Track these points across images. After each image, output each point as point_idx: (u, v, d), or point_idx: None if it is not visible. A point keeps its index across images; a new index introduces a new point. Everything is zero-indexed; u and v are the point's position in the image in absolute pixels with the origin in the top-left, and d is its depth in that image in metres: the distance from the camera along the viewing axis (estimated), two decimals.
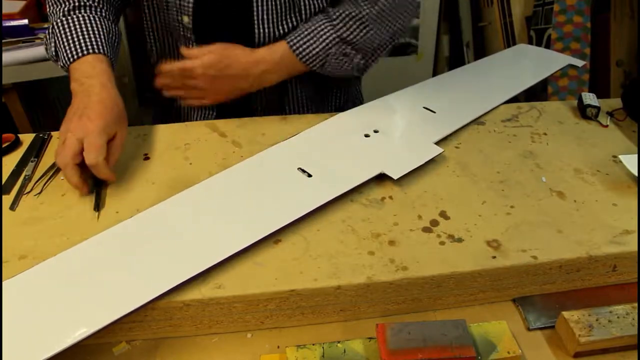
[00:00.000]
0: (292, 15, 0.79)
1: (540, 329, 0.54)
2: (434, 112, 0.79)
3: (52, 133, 0.76)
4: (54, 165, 0.69)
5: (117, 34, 0.78)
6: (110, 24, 0.76)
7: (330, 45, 0.78)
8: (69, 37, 0.71)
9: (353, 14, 0.78)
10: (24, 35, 1.58)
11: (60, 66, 0.72)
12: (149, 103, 2.54)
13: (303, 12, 0.79)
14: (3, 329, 0.46)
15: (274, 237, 0.57)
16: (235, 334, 0.53)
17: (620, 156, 0.70)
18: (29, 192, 0.65)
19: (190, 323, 0.52)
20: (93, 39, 0.71)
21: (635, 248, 0.56)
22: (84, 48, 0.70)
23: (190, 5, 0.76)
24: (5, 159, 0.71)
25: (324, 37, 0.78)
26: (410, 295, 0.54)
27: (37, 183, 0.66)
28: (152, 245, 0.55)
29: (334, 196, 0.61)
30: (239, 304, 0.51)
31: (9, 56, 1.46)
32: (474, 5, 2.11)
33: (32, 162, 0.70)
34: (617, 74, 1.83)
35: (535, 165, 0.70)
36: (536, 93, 1.92)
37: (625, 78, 1.83)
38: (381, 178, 0.66)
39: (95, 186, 0.64)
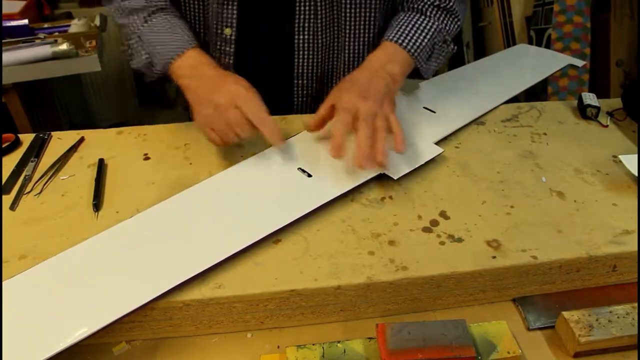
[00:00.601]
0: (334, 25, 0.79)
1: (540, 329, 0.54)
2: (434, 112, 0.79)
3: (52, 133, 0.76)
4: (54, 165, 0.69)
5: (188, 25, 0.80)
6: (181, 19, 0.77)
7: (435, 34, 0.77)
8: (160, 42, 0.72)
9: (442, 5, 0.78)
10: (24, 35, 1.59)
11: (158, 71, 0.73)
12: (149, 103, 2.55)
13: (345, 20, 0.79)
14: (3, 328, 0.46)
15: (274, 237, 0.57)
16: (235, 334, 0.53)
17: (620, 156, 0.70)
18: (29, 192, 0.65)
19: (190, 323, 0.52)
20: (182, 37, 0.72)
21: (635, 248, 0.56)
22: (179, 46, 0.71)
23: (234, 16, 0.76)
24: (5, 159, 0.71)
25: (427, 27, 0.76)
26: (410, 295, 0.54)
27: (37, 183, 0.66)
28: (152, 245, 0.55)
29: (334, 196, 0.61)
30: (239, 304, 0.51)
31: (9, 56, 1.46)
32: (474, 5, 2.11)
33: (32, 162, 0.70)
34: (617, 74, 1.83)
35: (535, 165, 0.70)
36: (536, 93, 1.92)
37: (625, 78, 1.83)
38: (381, 178, 0.66)
39: (95, 184, 0.64)
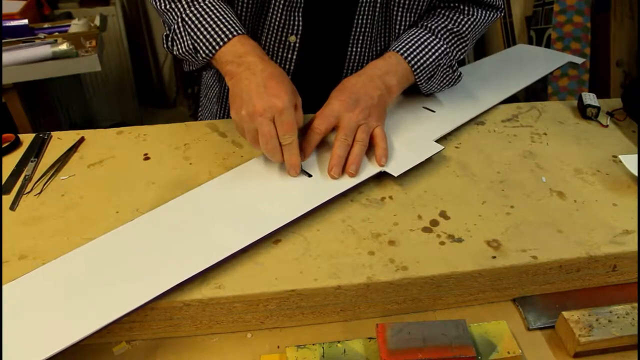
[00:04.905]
0: (385, 37, 0.81)
1: (540, 329, 0.54)
2: (434, 111, 0.79)
3: (52, 133, 0.76)
4: (54, 165, 0.69)
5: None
6: (227, 4, 0.74)
7: (441, 56, 0.76)
8: (206, 27, 0.69)
9: (455, 29, 0.78)
10: (24, 35, 1.59)
11: (202, 57, 0.69)
12: (149, 103, 2.55)
13: (395, 34, 0.80)
14: (4, 328, 0.46)
15: (274, 237, 0.57)
16: (235, 334, 0.53)
17: (620, 156, 0.70)
18: (29, 192, 0.65)
19: (190, 323, 0.52)
20: (231, 23, 0.69)
21: (635, 248, 0.56)
22: (227, 33, 0.68)
23: (300, 24, 0.76)
24: (5, 159, 0.71)
25: (435, 48, 0.76)
26: (410, 295, 0.54)
27: (37, 183, 0.66)
28: (153, 246, 0.55)
29: (333, 195, 0.61)
30: (239, 304, 0.51)
31: (9, 56, 1.46)
32: None
33: (32, 162, 0.70)
34: (617, 74, 1.84)
35: (535, 165, 0.70)
36: (536, 93, 1.93)
37: (625, 78, 1.83)
38: (381, 178, 0.66)
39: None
